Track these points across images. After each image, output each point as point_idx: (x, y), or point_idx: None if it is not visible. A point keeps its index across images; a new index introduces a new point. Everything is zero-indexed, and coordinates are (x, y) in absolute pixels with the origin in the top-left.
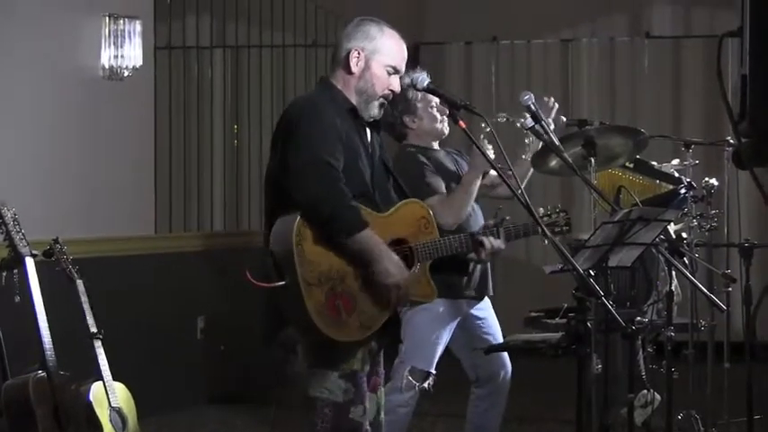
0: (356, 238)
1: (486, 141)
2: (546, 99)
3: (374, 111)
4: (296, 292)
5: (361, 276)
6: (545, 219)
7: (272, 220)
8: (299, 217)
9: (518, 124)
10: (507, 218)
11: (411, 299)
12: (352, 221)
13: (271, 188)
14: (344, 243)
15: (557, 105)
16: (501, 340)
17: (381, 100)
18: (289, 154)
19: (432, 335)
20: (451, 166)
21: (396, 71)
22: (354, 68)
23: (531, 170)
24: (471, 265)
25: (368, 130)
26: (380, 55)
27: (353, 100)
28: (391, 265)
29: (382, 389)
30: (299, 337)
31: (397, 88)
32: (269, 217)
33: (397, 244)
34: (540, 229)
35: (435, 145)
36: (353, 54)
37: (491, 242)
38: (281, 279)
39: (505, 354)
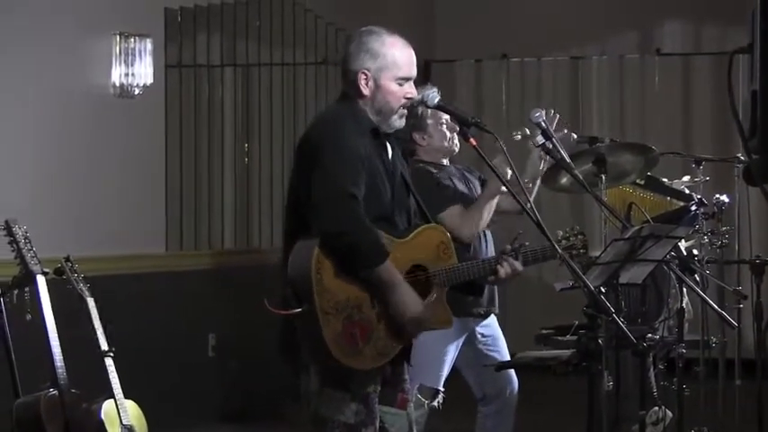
0: (375, 272)
1: (500, 161)
2: (551, 113)
3: (396, 123)
4: (313, 321)
5: (378, 305)
6: (563, 242)
7: (291, 241)
8: (317, 246)
9: (530, 142)
10: (526, 243)
11: (428, 327)
12: (372, 255)
13: (293, 207)
14: (365, 275)
15: (558, 116)
16: (507, 357)
17: (402, 111)
18: (312, 183)
19: (439, 352)
20: (461, 183)
21: (408, 79)
22: (366, 91)
23: (537, 187)
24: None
25: (389, 148)
26: (388, 71)
27: (373, 118)
28: (409, 299)
29: (411, 405)
30: (309, 359)
31: (414, 93)
32: (288, 237)
33: (416, 269)
34: (557, 253)
35: (445, 161)
36: (361, 77)
37: (510, 265)
38: (299, 305)
39: (512, 371)
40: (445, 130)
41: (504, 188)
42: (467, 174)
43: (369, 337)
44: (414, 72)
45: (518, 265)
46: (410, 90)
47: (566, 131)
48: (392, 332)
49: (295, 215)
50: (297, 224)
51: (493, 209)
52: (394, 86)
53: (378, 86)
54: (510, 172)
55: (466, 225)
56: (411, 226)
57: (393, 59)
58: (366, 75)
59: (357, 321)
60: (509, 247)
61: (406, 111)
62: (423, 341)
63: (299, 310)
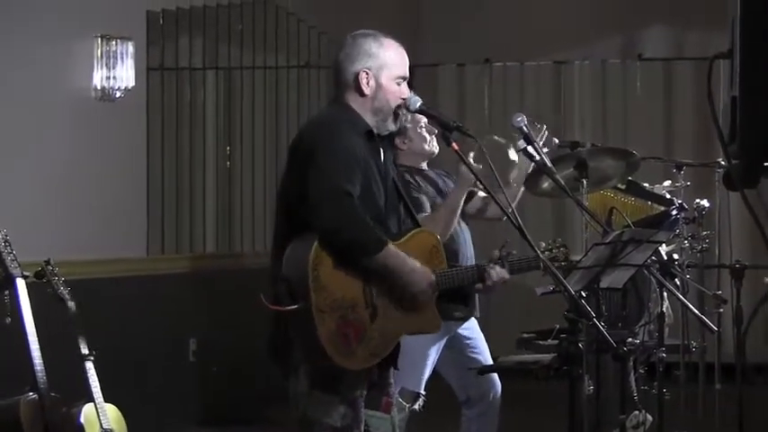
0: (379, 256)
1: (472, 160)
2: (538, 125)
3: (392, 125)
4: (309, 319)
5: (372, 305)
6: (546, 253)
7: (283, 242)
8: (315, 243)
9: (511, 146)
10: (514, 251)
11: (415, 330)
12: (373, 242)
13: (284, 210)
14: (368, 264)
15: (547, 132)
16: (489, 360)
17: (396, 111)
18: (308, 181)
19: (420, 356)
20: (441, 187)
21: (404, 79)
22: (367, 90)
23: (521, 192)
24: None
25: (382, 151)
26: (387, 69)
27: (370, 120)
28: (418, 273)
29: (395, 409)
30: (302, 359)
31: (408, 94)
32: (280, 238)
33: None
34: (540, 261)
35: (424, 165)
36: (362, 76)
37: (497, 273)
38: (294, 302)
39: (495, 374)
40: (424, 133)
41: (481, 193)
42: (446, 178)
43: (362, 337)
44: (407, 73)
45: (506, 274)
46: (405, 91)
47: (556, 142)
48: (385, 333)
49: (287, 216)
50: (289, 225)
51: (458, 212)
52: (393, 86)
53: (378, 85)
54: (476, 168)
55: (431, 229)
56: (401, 229)
57: (391, 59)
58: (368, 74)
59: (351, 321)
60: (497, 253)
61: (399, 113)
62: (404, 345)
63: (296, 306)
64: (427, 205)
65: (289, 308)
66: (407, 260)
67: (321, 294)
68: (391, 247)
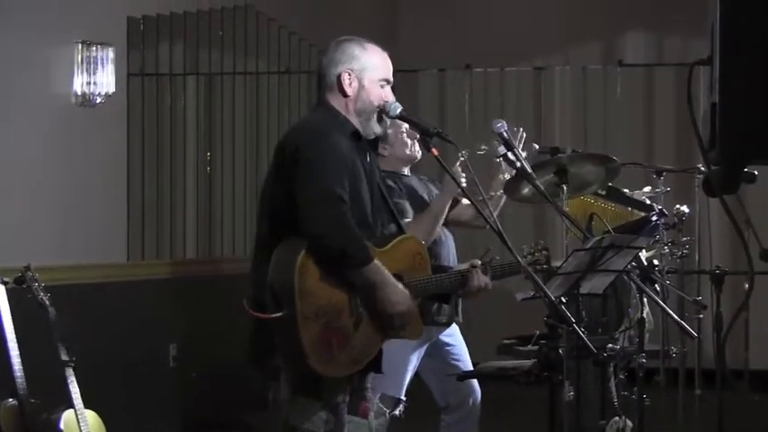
0: (364, 270)
1: (460, 170)
2: (516, 129)
3: (376, 127)
4: (293, 326)
5: (356, 313)
6: (528, 257)
7: (266, 246)
8: (303, 250)
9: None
10: (497, 257)
11: (399, 335)
12: (361, 255)
13: (269, 213)
14: (352, 275)
15: (524, 135)
16: (470, 366)
17: (377, 114)
18: (296, 185)
19: (401, 361)
20: (423, 193)
21: (387, 82)
22: (349, 90)
23: (503, 200)
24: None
25: (368, 154)
26: (370, 71)
27: (354, 121)
28: (398, 294)
29: (372, 414)
30: (283, 365)
31: (392, 98)
32: (263, 242)
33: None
34: (522, 267)
35: (406, 171)
36: (345, 77)
37: (480, 279)
38: (278, 308)
39: (475, 380)
40: (405, 138)
41: (464, 200)
42: (428, 183)
43: (345, 345)
44: (391, 77)
45: (487, 280)
46: (389, 94)
47: (536, 147)
48: (368, 340)
49: (271, 220)
50: (274, 229)
51: (441, 220)
52: (376, 87)
53: (361, 86)
54: (464, 181)
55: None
56: (386, 233)
57: (374, 61)
58: (350, 74)
59: (335, 328)
60: (479, 261)
61: (382, 115)
62: (385, 350)
63: (280, 314)
64: (410, 211)
65: (273, 315)
66: (390, 280)
67: (306, 301)
68: (377, 262)
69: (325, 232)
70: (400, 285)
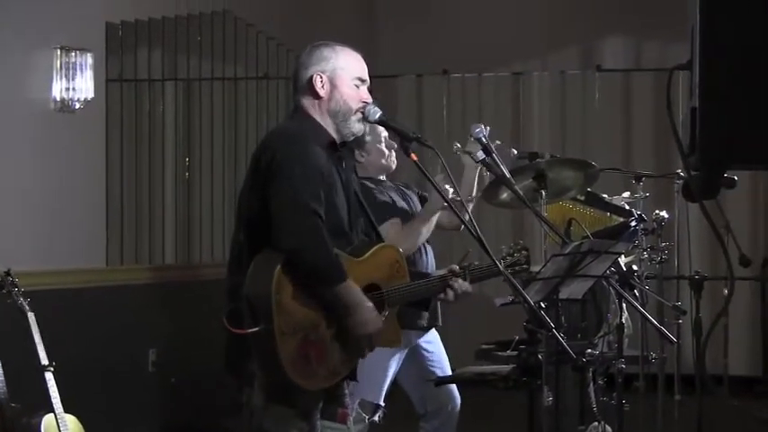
0: (335, 290)
1: (443, 182)
2: (495, 143)
3: (355, 126)
4: (270, 341)
5: (334, 325)
6: (507, 258)
7: (243, 256)
8: (279, 266)
9: (466, 158)
10: (476, 262)
11: (363, 355)
12: (334, 273)
13: (245, 223)
14: (324, 293)
15: (488, 129)
16: (449, 372)
17: (359, 114)
18: (271, 197)
19: (381, 367)
20: (399, 199)
21: (362, 81)
22: (321, 92)
23: (476, 198)
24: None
25: (343, 162)
26: (342, 71)
27: (330, 124)
28: (368, 315)
29: (351, 419)
30: (259, 374)
31: (369, 98)
32: (239, 252)
33: (370, 288)
34: (500, 270)
35: (382, 177)
36: (316, 79)
37: (459, 285)
38: (255, 323)
39: (454, 386)
40: (384, 147)
41: (444, 204)
42: (404, 189)
43: (323, 357)
44: (366, 76)
45: (468, 287)
46: (365, 94)
47: (514, 152)
48: (345, 352)
49: (248, 231)
50: (250, 240)
51: (432, 225)
52: (349, 87)
53: (333, 86)
54: (451, 189)
55: (404, 240)
56: (363, 241)
57: (345, 62)
58: (321, 76)
59: (313, 342)
60: (457, 267)
61: (362, 116)
62: None
63: (257, 329)
64: (396, 206)
65: (250, 330)
66: (362, 301)
67: (283, 317)
68: (350, 282)
69: (298, 247)
70: (370, 305)
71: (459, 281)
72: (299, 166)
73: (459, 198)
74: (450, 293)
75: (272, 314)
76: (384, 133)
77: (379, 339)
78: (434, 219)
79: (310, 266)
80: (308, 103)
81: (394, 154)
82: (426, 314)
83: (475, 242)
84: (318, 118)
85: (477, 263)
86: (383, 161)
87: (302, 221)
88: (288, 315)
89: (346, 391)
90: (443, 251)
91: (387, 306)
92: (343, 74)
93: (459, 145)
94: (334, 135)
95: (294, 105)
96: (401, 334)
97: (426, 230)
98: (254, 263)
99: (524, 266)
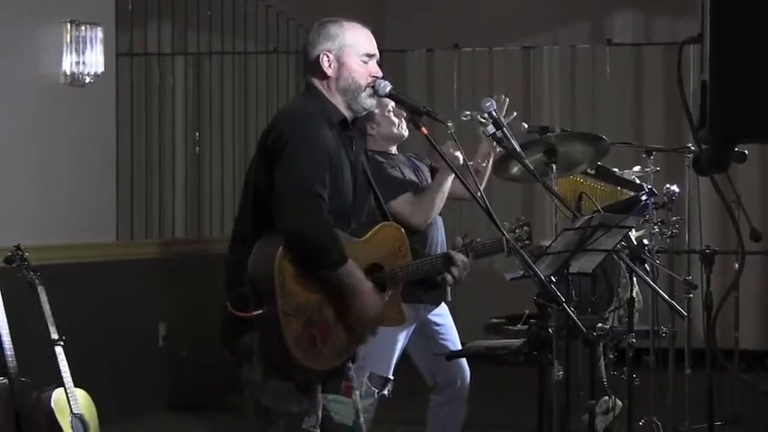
0: (337, 273)
1: (452, 150)
2: (502, 97)
3: (366, 102)
4: (275, 323)
5: (337, 305)
6: (510, 234)
7: (247, 234)
8: (281, 247)
9: (481, 130)
10: (478, 239)
11: (365, 341)
12: (336, 257)
13: (252, 201)
14: (325, 276)
15: (507, 100)
16: (459, 346)
17: (369, 90)
18: (278, 178)
19: (389, 341)
20: (410, 172)
21: (370, 56)
22: (329, 71)
23: (489, 172)
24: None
25: (353, 142)
26: (349, 48)
27: (340, 102)
28: (370, 299)
29: (357, 392)
30: (254, 344)
31: (379, 72)
32: (244, 230)
33: (373, 268)
34: (505, 244)
35: (394, 150)
36: (323, 58)
37: (463, 262)
38: (259, 305)
39: (464, 360)
40: (392, 116)
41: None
42: (416, 161)
43: (328, 337)
44: (375, 50)
45: (467, 260)
46: (374, 68)
47: (514, 115)
48: (350, 332)
49: (252, 207)
50: (253, 217)
51: (445, 197)
52: (357, 63)
53: (341, 64)
54: (461, 157)
55: (417, 213)
56: (369, 221)
57: (353, 38)
58: (328, 56)
59: (317, 322)
60: (460, 240)
61: (374, 91)
62: None
63: (260, 312)
64: (407, 180)
65: (254, 313)
66: (363, 283)
67: (286, 299)
68: (350, 265)
69: (299, 229)
70: (372, 290)
71: (462, 257)
72: (305, 149)
73: (470, 163)
74: (449, 277)
75: (276, 296)
76: (391, 103)
77: (380, 322)
78: (446, 190)
79: (310, 249)
80: (317, 81)
81: (404, 122)
82: (449, 289)
83: (484, 215)
84: (329, 96)
85: (479, 239)
86: (394, 129)
87: (304, 204)
88: (291, 296)
89: (350, 365)
90: (454, 225)
91: (390, 285)
92: (351, 51)
93: (468, 112)
94: (345, 112)
95: (305, 83)
96: (404, 314)
97: (440, 200)
98: (256, 245)
99: (526, 242)
